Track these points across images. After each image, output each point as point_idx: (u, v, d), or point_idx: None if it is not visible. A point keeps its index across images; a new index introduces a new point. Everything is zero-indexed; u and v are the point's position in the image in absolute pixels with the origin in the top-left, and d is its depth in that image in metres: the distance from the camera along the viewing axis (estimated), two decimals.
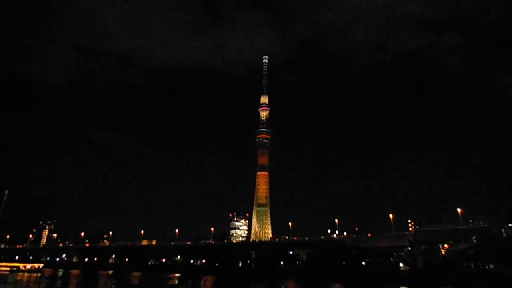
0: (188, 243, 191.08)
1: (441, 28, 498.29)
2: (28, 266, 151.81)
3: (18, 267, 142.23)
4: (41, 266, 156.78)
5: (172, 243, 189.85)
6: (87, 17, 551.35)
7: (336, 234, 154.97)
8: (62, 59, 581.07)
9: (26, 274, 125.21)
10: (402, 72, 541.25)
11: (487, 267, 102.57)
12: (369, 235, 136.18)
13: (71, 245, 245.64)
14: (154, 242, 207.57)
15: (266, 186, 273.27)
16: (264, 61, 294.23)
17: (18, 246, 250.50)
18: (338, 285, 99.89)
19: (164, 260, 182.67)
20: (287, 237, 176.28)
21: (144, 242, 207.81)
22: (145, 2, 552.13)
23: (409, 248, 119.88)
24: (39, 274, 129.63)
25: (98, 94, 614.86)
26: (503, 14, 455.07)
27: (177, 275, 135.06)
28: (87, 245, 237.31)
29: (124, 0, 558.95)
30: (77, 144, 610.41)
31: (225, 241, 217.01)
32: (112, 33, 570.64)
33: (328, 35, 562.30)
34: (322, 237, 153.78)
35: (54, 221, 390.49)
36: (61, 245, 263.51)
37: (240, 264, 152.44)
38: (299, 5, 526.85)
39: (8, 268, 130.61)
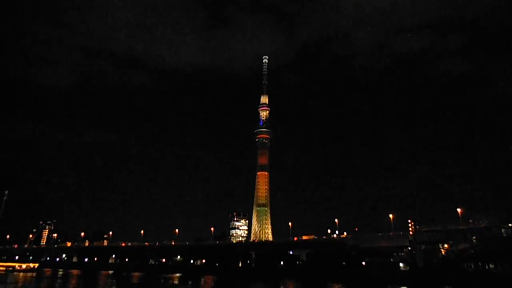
0: (188, 243, 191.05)
1: (443, 30, 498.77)
2: (24, 266, 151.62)
3: (13, 267, 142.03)
4: (36, 266, 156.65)
5: (172, 243, 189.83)
6: (94, 19, 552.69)
7: (336, 234, 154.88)
8: (69, 61, 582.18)
9: (21, 274, 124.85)
10: (404, 74, 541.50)
11: (487, 267, 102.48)
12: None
13: (68, 244, 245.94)
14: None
15: (266, 186, 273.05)
16: (264, 61, 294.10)
17: (15, 246, 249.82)
18: (338, 285, 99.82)
19: (164, 260, 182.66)
20: (296, 238, 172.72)
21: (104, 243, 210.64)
22: (151, 5, 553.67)
23: (409, 248, 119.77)
24: (34, 274, 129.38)
25: (103, 95, 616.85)
26: (504, 16, 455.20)
27: (177, 275, 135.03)
28: (86, 244, 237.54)
29: (130, 3, 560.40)
30: (78, 145, 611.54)
31: (225, 241, 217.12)
32: (119, 35, 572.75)
33: (330, 37, 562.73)
34: (322, 237, 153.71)
35: (54, 221, 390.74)
36: (61, 245, 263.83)
37: (240, 264, 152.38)
38: (302, 7, 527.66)
39: (4, 268, 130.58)
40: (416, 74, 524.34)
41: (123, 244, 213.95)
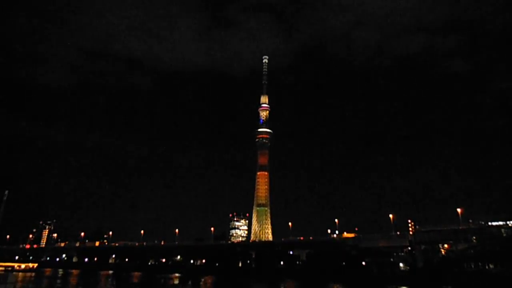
0: (188, 243, 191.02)
1: (442, 31, 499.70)
2: (23, 266, 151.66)
3: (12, 267, 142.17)
4: (35, 266, 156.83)
5: (172, 243, 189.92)
6: (95, 21, 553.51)
7: (336, 234, 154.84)
8: (68, 61, 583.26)
9: (20, 274, 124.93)
10: (404, 75, 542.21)
11: (487, 267, 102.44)
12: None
13: (62, 244, 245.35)
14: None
15: (266, 186, 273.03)
16: (264, 61, 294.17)
17: (12, 246, 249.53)
18: (338, 285, 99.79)
19: (164, 260, 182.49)
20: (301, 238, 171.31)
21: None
22: (152, 6, 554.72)
23: (409, 248, 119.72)
24: (33, 274, 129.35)
25: (103, 95, 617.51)
26: (504, 17, 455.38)
27: (177, 275, 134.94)
28: (77, 245, 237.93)
29: (131, 4, 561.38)
30: (78, 145, 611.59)
31: (225, 241, 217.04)
32: (120, 36, 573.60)
33: (330, 38, 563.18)
34: (322, 237, 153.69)
35: (54, 221, 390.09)
36: (61, 245, 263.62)
37: (240, 264, 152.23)
38: (302, 8, 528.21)
39: (3, 268, 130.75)
40: (416, 75, 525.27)
41: (114, 244, 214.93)
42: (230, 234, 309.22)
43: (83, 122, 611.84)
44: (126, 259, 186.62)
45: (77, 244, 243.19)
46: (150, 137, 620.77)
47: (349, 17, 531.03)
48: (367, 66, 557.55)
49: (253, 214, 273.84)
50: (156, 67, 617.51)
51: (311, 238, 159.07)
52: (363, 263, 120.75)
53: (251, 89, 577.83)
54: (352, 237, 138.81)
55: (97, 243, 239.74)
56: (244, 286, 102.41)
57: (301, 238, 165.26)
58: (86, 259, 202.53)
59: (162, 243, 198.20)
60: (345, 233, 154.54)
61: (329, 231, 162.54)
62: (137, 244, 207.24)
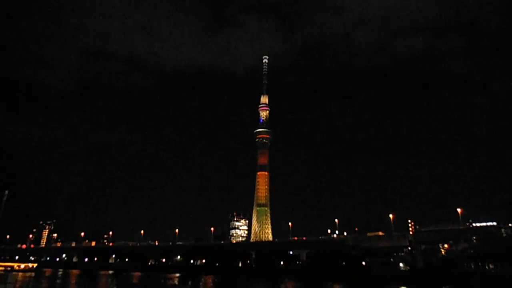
0: (188, 243, 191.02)
1: (442, 32, 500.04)
2: (22, 266, 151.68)
3: (12, 267, 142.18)
4: (35, 266, 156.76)
5: (172, 243, 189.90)
6: (96, 21, 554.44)
7: (336, 234, 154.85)
8: (70, 62, 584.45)
9: (20, 274, 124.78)
10: (404, 75, 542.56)
11: (487, 267, 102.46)
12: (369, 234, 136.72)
13: (58, 244, 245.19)
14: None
15: (266, 186, 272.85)
16: (264, 61, 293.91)
17: (6, 246, 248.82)
18: (338, 285, 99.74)
19: (164, 260, 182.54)
20: (296, 238, 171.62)
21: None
22: (153, 6, 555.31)
23: (409, 248, 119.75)
24: (33, 274, 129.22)
25: (103, 95, 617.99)
26: (503, 19, 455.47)
27: (177, 275, 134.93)
28: (73, 245, 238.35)
29: (132, 4, 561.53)
30: (78, 145, 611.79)
31: (225, 241, 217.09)
32: (121, 36, 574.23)
33: (330, 38, 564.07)
34: (322, 237, 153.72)
35: (54, 221, 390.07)
36: (60, 244, 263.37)
37: (240, 264, 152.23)
38: (303, 8, 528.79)
39: (3, 268, 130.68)
40: (416, 75, 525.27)
41: (111, 244, 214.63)
42: (230, 234, 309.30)
43: (83, 122, 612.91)
44: (126, 259, 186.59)
45: (73, 244, 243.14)
46: (149, 136, 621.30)
47: (349, 17, 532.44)
48: (367, 66, 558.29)
49: (253, 214, 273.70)
50: (156, 67, 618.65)
51: (305, 238, 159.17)
52: (363, 263, 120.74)
53: (251, 89, 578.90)
54: (352, 237, 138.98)
55: (93, 243, 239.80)
56: (244, 286, 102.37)
57: (299, 238, 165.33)
58: (86, 259, 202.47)
59: (157, 243, 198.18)
60: (345, 233, 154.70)
61: (329, 231, 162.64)
62: (135, 244, 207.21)
